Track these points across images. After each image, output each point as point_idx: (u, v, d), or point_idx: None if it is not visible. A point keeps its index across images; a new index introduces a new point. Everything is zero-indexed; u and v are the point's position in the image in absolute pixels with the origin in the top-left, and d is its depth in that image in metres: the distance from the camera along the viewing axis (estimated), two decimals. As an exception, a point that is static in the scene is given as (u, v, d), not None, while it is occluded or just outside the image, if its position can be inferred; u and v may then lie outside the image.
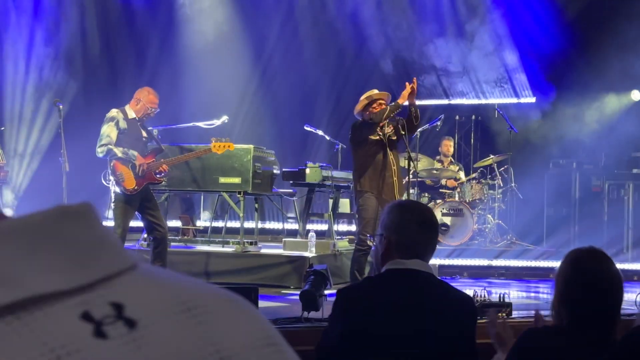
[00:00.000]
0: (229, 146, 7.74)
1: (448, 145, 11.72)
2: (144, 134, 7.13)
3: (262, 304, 5.79)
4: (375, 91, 7.51)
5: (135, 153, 6.91)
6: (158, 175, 7.14)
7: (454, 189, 11.23)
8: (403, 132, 7.30)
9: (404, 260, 2.72)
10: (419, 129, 9.71)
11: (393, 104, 7.23)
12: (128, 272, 0.54)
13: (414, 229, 2.74)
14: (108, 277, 0.52)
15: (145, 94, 7.13)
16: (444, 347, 2.70)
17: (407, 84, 7.27)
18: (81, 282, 0.51)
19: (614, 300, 2.59)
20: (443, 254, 10.07)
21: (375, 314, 2.67)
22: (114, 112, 6.99)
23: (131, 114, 7.01)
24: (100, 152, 6.89)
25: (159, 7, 12.40)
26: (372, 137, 7.23)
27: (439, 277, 3.00)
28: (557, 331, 2.62)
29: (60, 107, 7.35)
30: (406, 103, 7.28)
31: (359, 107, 7.41)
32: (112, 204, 7.03)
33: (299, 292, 5.74)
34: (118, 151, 6.87)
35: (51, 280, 0.50)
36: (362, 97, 7.46)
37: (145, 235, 8.69)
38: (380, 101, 7.32)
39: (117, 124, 6.91)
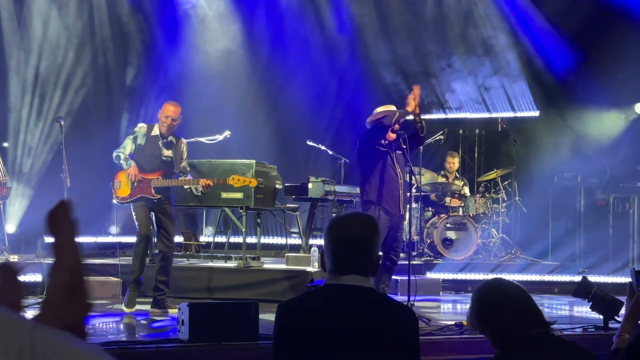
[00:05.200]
0: (249, 182, 7.72)
1: (451, 162, 11.68)
2: (168, 153, 7.21)
3: (263, 319, 5.74)
4: (393, 108, 7.53)
5: (132, 163, 7.02)
6: (155, 191, 7.16)
7: (458, 206, 11.19)
8: (404, 146, 7.28)
9: (340, 275, 2.72)
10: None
11: (402, 110, 7.23)
12: None
13: (332, 246, 2.75)
14: None
15: (163, 107, 7.31)
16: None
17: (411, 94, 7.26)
18: None
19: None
20: (447, 269, 10.02)
21: (314, 330, 2.64)
22: (138, 126, 7.32)
23: (155, 131, 7.23)
24: (113, 156, 7.23)
25: (162, 23, 12.42)
26: (379, 147, 7.23)
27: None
28: None
29: (62, 122, 7.35)
30: (411, 117, 7.27)
31: (373, 118, 7.44)
32: (133, 214, 7.22)
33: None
34: (122, 158, 7.14)
35: None
36: (380, 109, 7.46)
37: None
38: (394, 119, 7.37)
39: (135, 139, 7.19)
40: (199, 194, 7.56)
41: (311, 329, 2.64)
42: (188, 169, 7.44)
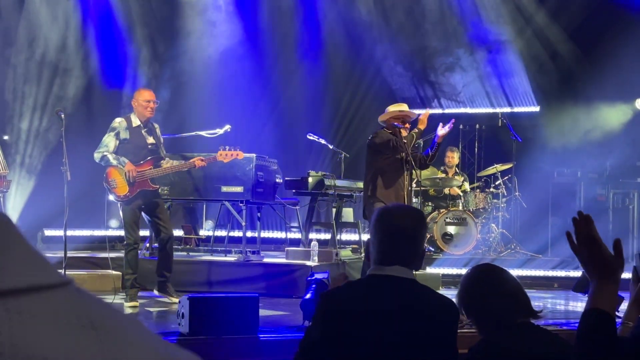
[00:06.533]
0: (237, 155, 7.68)
1: (450, 157, 11.67)
2: (151, 140, 7.17)
3: (263, 313, 5.75)
4: (406, 107, 7.69)
5: (126, 160, 6.98)
6: (152, 182, 7.14)
7: (457, 197, 11.18)
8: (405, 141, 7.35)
9: (384, 266, 2.73)
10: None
11: (417, 130, 7.59)
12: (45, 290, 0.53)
13: (379, 237, 2.76)
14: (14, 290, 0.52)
15: (136, 95, 7.27)
16: (424, 353, 2.67)
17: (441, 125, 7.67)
18: None
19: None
20: (447, 264, 10.02)
21: (356, 318, 2.66)
22: (117, 121, 7.13)
23: (135, 122, 7.13)
24: (96, 157, 7.08)
25: (163, 18, 12.40)
26: (397, 155, 7.36)
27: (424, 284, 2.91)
28: None
29: (62, 116, 7.35)
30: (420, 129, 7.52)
31: (385, 117, 7.59)
32: (120, 213, 7.19)
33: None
34: (111, 157, 7.02)
35: None
36: (394, 108, 7.57)
37: (148, 245, 8.71)
38: (406, 118, 7.59)
39: (117, 134, 7.06)
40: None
41: (353, 318, 2.65)
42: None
